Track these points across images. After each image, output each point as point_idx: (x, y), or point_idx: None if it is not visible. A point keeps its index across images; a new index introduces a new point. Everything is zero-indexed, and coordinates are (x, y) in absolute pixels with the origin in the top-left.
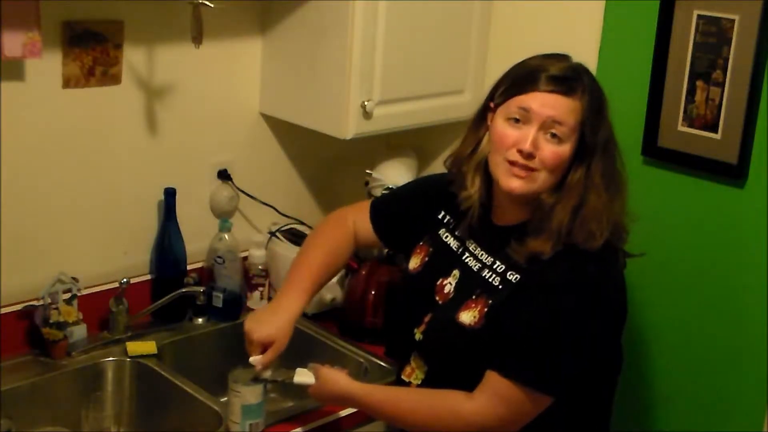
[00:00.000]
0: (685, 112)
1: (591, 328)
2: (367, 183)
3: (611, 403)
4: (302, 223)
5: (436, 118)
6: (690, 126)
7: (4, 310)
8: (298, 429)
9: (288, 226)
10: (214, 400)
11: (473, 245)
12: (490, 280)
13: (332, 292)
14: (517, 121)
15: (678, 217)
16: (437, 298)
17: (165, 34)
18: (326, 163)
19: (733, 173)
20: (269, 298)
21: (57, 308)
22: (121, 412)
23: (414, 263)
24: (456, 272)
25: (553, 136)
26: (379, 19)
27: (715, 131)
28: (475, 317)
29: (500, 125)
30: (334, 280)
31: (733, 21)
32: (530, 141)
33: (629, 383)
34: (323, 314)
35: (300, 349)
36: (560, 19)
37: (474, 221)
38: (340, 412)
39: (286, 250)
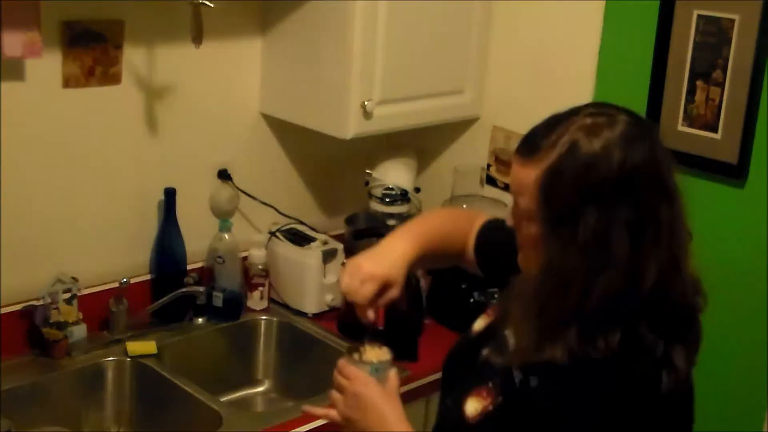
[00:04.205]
0: (685, 112)
1: None
2: (367, 183)
3: None
4: (302, 223)
5: (436, 118)
6: (690, 126)
7: (4, 310)
8: (298, 429)
9: (288, 226)
10: (214, 400)
11: None
12: (514, 373)
13: (332, 292)
14: None
15: None
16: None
17: (165, 34)
18: (326, 163)
19: (733, 173)
20: (269, 298)
21: (57, 308)
22: (121, 412)
23: (479, 326)
24: (493, 342)
25: (521, 213)
26: (379, 19)
27: (715, 131)
28: (476, 410)
29: None
30: (334, 279)
31: (733, 21)
32: (508, 215)
33: None
34: (323, 314)
35: (300, 349)
36: (560, 19)
37: None
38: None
39: (286, 250)
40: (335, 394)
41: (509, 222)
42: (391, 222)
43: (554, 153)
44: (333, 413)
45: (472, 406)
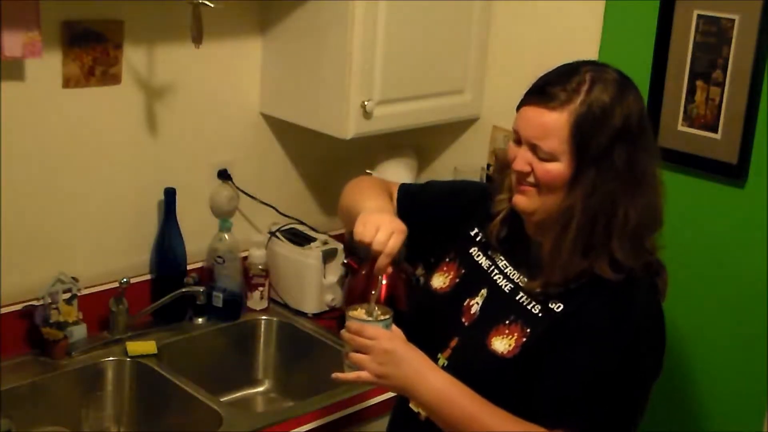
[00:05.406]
0: (685, 112)
1: (640, 378)
2: None
3: None
4: (302, 223)
5: (436, 118)
6: (690, 126)
7: (4, 310)
8: (298, 429)
9: (288, 226)
10: (214, 400)
11: (503, 262)
12: (529, 306)
13: (332, 292)
14: (516, 139)
15: (678, 217)
16: (463, 320)
17: (165, 34)
18: (326, 163)
19: (733, 173)
20: (269, 298)
21: (57, 308)
22: (121, 412)
23: (441, 282)
24: (484, 291)
25: (541, 155)
26: (379, 19)
27: (715, 131)
28: (509, 345)
29: (509, 142)
30: (334, 279)
31: (733, 21)
32: (520, 161)
33: None
34: (323, 314)
35: (300, 349)
36: (560, 19)
37: (502, 231)
38: (339, 413)
39: (286, 250)
40: (360, 356)
41: (520, 167)
42: None
43: (579, 98)
44: (364, 374)
45: (503, 344)
